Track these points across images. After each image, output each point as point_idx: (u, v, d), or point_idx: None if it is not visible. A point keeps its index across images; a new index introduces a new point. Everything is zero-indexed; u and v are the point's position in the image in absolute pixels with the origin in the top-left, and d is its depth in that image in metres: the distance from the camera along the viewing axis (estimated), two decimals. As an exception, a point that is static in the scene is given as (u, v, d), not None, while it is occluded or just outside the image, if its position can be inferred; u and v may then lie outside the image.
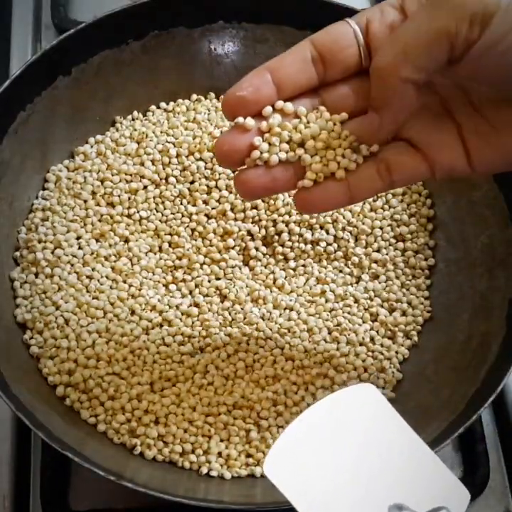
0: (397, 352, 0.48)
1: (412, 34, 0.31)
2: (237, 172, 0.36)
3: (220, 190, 0.51)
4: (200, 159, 0.52)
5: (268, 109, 0.34)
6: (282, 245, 0.51)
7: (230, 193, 0.51)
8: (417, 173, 0.35)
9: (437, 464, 0.31)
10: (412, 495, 0.30)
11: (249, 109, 0.34)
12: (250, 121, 0.34)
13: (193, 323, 0.48)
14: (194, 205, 0.51)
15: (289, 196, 0.51)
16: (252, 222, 0.51)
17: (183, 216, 0.51)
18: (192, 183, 0.51)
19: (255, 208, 0.51)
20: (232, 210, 0.51)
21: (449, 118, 0.35)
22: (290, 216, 0.50)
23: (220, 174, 0.51)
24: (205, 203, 0.51)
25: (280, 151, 0.35)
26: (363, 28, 0.34)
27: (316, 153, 0.35)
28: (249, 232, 0.51)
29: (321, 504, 0.29)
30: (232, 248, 0.50)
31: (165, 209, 0.51)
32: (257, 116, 0.34)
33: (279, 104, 0.34)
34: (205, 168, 0.51)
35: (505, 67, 0.31)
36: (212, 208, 0.51)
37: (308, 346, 0.47)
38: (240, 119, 0.34)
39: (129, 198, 0.51)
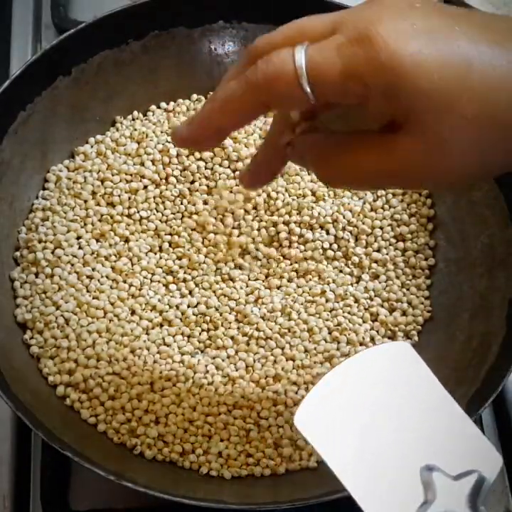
0: (397, 352, 0.48)
1: None
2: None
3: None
4: (200, 159, 0.52)
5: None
6: (282, 245, 0.51)
7: (230, 192, 0.51)
8: None
9: (470, 427, 0.31)
10: (444, 456, 0.29)
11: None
12: None
13: (193, 323, 0.48)
14: (194, 205, 0.51)
15: (290, 196, 0.51)
16: (251, 221, 0.51)
17: (183, 216, 0.51)
18: (192, 183, 0.51)
19: (255, 208, 0.51)
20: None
21: None
22: (290, 216, 0.50)
23: (220, 174, 0.51)
24: (205, 202, 0.51)
25: None
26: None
27: None
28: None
29: (350, 460, 0.29)
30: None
31: (165, 209, 0.51)
32: None
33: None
34: (205, 168, 0.52)
35: None
36: (213, 208, 0.51)
37: (308, 346, 0.47)
38: None
39: (129, 198, 0.51)
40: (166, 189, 0.51)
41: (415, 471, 0.29)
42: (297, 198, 0.51)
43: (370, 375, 0.31)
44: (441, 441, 0.30)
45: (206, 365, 0.47)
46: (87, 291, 0.48)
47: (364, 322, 0.49)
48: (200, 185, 0.51)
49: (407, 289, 0.50)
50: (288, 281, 0.50)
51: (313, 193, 0.52)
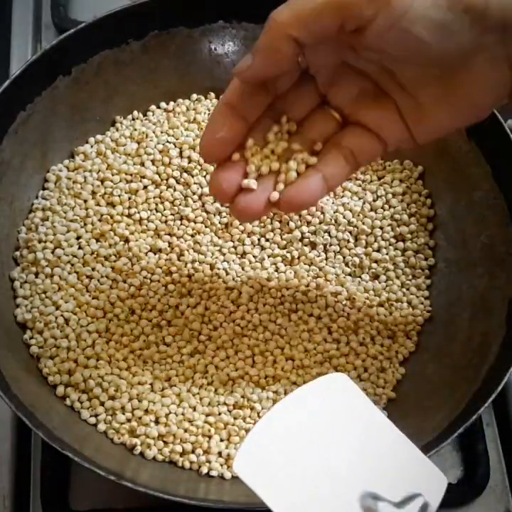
0: (397, 352, 0.48)
1: (308, 1, 0.33)
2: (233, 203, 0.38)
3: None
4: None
5: (250, 141, 0.38)
6: (282, 246, 0.51)
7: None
8: (375, 151, 0.39)
9: (412, 450, 0.31)
10: (387, 482, 0.29)
11: (228, 150, 0.38)
12: (254, 185, 0.38)
13: (193, 322, 0.48)
14: (193, 206, 0.51)
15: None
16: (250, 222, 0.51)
17: (182, 217, 0.51)
18: (192, 184, 0.51)
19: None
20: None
21: (387, 98, 0.37)
22: (290, 217, 0.50)
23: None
24: (204, 204, 0.51)
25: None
26: None
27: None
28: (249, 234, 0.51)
29: (293, 498, 0.29)
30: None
31: (165, 209, 0.51)
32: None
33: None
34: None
35: (408, 42, 0.33)
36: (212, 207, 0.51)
37: (308, 346, 0.47)
38: (247, 182, 0.38)
39: (129, 198, 0.51)
40: (166, 189, 0.51)
41: (357, 498, 0.29)
42: (297, 198, 0.51)
43: (308, 410, 0.31)
44: (383, 468, 0.30)
45: (206, 365, 0.47)
46: (87, 291, 0.48)
47: (364, 322, 0.49)
48: (200, 186, 0.51)
49: (407, 289, 0.50)
50: (288, 281, 0.50)
51: (313, 193, 0.51)
